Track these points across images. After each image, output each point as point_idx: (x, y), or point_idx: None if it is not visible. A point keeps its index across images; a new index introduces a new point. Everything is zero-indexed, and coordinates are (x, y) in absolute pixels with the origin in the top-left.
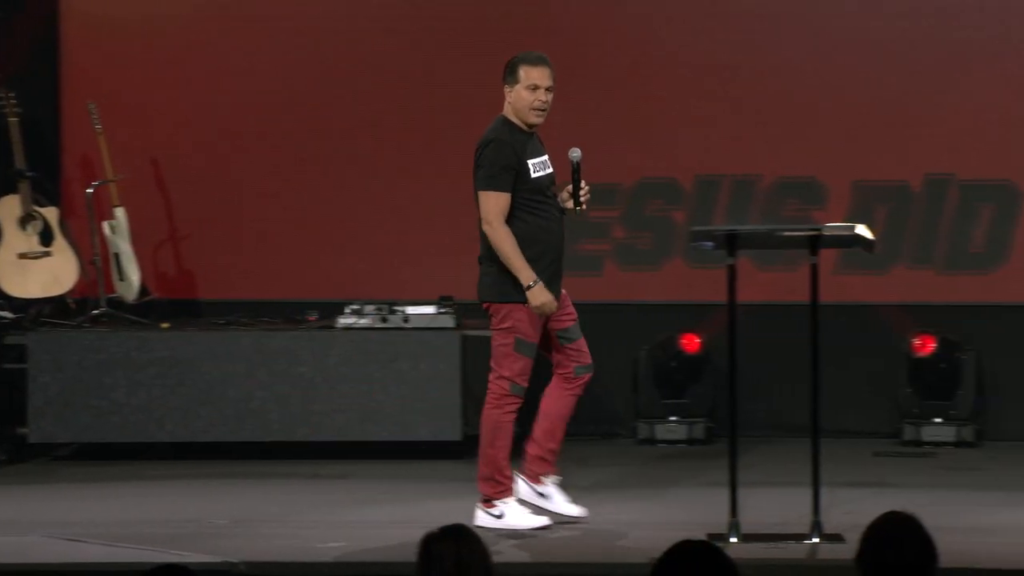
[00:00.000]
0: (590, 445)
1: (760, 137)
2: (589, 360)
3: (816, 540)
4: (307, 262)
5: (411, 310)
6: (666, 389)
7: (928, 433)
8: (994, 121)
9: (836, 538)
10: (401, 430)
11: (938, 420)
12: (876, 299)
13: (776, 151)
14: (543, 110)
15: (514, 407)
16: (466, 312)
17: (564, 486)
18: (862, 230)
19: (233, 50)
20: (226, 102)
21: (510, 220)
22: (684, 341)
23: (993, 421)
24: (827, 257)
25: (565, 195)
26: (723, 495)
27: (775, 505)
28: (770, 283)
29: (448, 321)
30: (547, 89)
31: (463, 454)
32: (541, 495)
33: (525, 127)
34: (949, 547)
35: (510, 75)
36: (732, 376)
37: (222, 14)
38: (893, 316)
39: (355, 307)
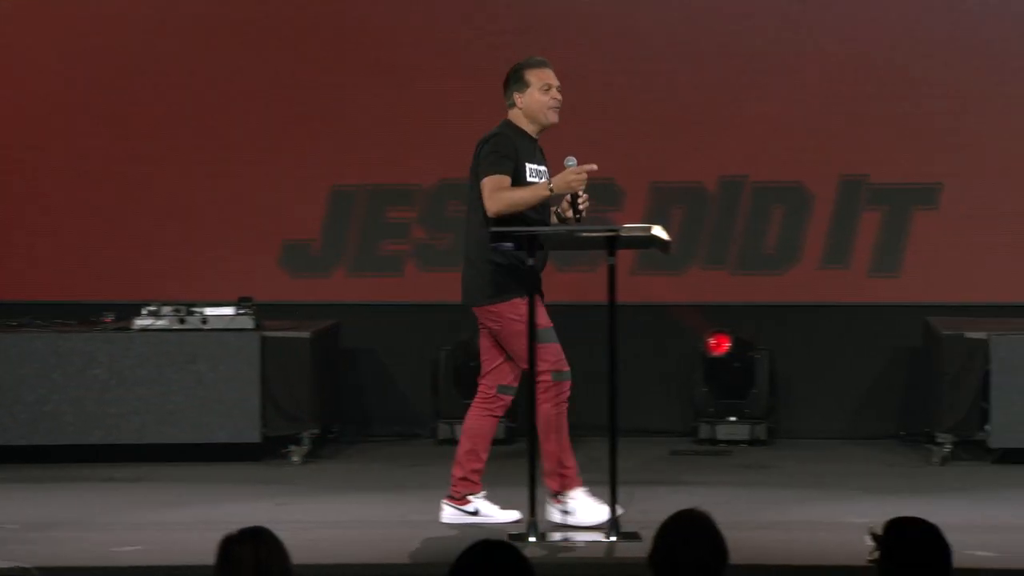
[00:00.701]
0: (390, 446)
1: (558, 139)
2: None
3: (613, 539)
4: (103, 263)
5: (209, 311)
6: (466, 389)
7: (723, 431)
8: (786, 125)
9: (633, 536)
10: (199, 432)
11: (732, 419)
12: (672, 299)
13: (574, 153)
14: (558, 107)
15: (562, 396)
16: (265, 313)
17: (363, 487)
18: (658, 231)
19: (26, 48)
20: (21, 101)
21: (498, 222)
22: None
23: (785, 419)
24: (625, 258)
25: (564, 204)
26: (523, 495)
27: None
28: (569, 283)
29: (247, 322)
30: (558, 88)
31: (262, 456)
32: (566, 512)
33: (532, 134)
34: (742, 543)
35: (517, 83)
36: (531, 376)
37: (14, 13)
38: (689, 316)
39: (152, 308)
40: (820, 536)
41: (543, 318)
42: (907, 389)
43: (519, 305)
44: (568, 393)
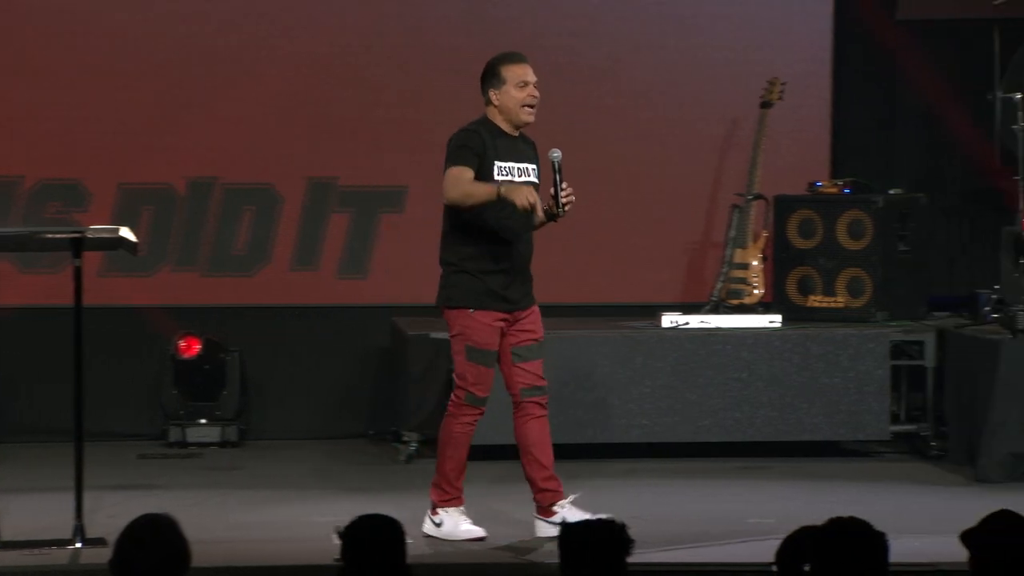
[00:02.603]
0: None
1: (21, 138)
2: (538, 383)
3: (79, 545)
4: None
5: None
6: None
7: (193, 434)
8: (255, 127)
9: (99, 542)
10: None
11: (203, 421)
12: (142, 301)
13: (39, 153)
14: (534, 106)
15: (470, 418)
16: None
17: None
18: (126, 232)
19: None
20: None
21: (467, 225)
22: None
23: (256, 421)
24: (92, 259)
25: (549, 200)
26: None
27: (39, 511)
28: (33, 285)
29: None
30: (535, 84)
31: None
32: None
33: (512, 131)
34: (210, 547)
35: (492, 79)
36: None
37: None
38: (158, 318)
39: None
40: (288, 536)
41: (482, 339)
42: (376, 389)
43: (460, 316)
44: (475, 416)
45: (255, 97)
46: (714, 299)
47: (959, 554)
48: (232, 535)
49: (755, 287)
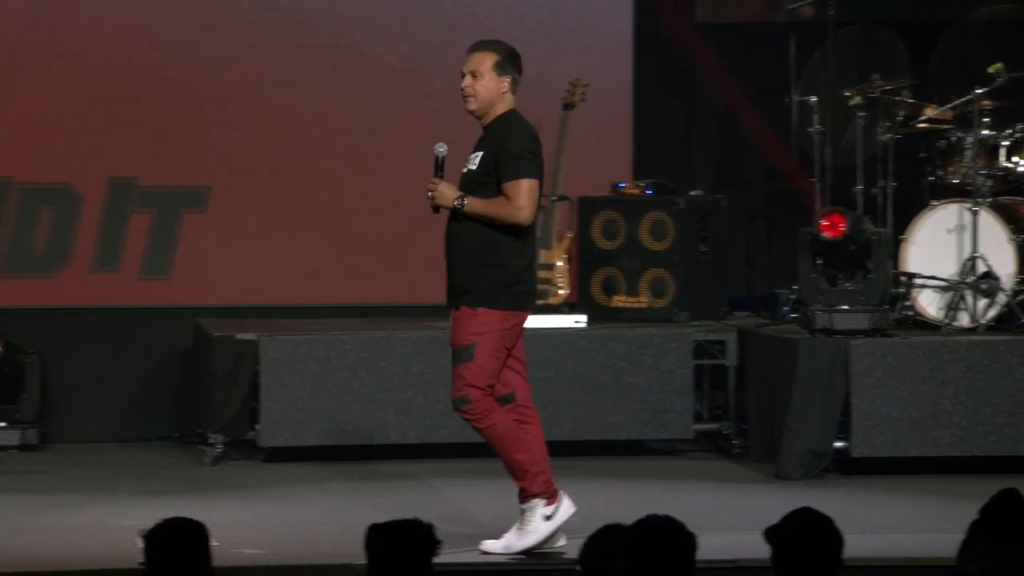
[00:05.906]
0: None
1: None
2: (452, 393)
3: None
4: None
5: None
6: None
7: None
8: (50, 126)
9: None
10: None
11: (2, 424)
12: None
13: None
14: (464, 95)
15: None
16: None
17: None
18: None
19: None
20: None
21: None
22: None
23: (59, 424)
24: None
25: None
26: None
27: None
28: None
29: None
30: (471, 74)
31: None
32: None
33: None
34: (12, 550)
35: None
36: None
37: None
38: None
39: None
40: (91, 540)
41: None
42: (180, 390)
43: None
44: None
45: (51, 94)
46: None
47: (762, 550)
48: (34, 539)
49: (560, 287)
